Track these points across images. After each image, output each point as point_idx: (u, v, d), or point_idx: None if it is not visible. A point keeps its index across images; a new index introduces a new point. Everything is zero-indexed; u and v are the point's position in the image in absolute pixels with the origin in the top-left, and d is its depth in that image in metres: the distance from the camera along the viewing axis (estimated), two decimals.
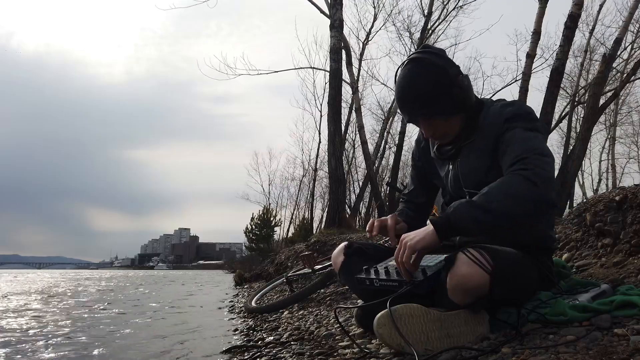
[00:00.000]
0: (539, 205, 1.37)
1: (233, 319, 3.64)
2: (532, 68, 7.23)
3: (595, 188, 20.29)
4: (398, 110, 16.78)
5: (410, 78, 1.60)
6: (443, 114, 1.62)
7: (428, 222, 1.46)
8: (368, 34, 17.17)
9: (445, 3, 15.27)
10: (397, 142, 16.17)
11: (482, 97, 1.80)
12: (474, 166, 1.63)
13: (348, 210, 16.50)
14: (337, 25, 9.73)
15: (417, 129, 1.76)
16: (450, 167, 1.73)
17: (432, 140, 1.80)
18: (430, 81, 1.57)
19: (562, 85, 10.20)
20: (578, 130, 12.53)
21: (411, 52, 1.63)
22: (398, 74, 1.65)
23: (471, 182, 1.64)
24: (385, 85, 23.58)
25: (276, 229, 23.24)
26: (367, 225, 1.76)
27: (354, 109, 14.22)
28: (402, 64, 1.66)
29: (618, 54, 10.14)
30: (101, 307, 5.00)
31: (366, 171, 16.02)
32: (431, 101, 1.58)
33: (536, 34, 6.86)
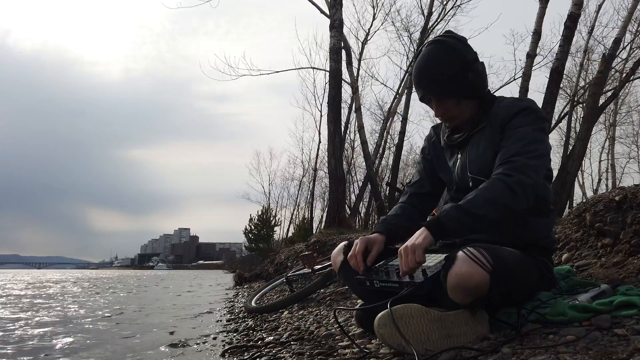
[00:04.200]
0: (513, 212, 1.51)
1: (232, 318, 3.64)
2: (532, 68, 7.22)
3: (595, 188, 20.30)
4: (399, 106, 16.79)
5: (428, 58, 1.67)
6: (455, 96, 1.68)
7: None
8: (367, 33, 17.18)
9: (444, 3, 15.28)
10: (396, 142, 16.17)
11: None
12: (482, 153, 1.68)
13: (348, 210, 16.51)
14: (337, 25, 9.73)
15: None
16: (459, 155, 1.77)
17: (443, 130, 1.86)
18: (448, 63, 1.64)
19: (561, 85, 10.20)
20: (578, 130, 12.54)
21: (413, 44, 1.72)
22: (419, 53, 1.73)
23: (476, 168, 1.68)
24: (384, 85, 23.68)
25: (276, 228, 23.26)
26: (352, 263, 1.67)
27: (353, 109, 14.21)
28: (424, 44, 1.73)
29: (617, 53, 10.13)
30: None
31: (366, 171, 16.01)
32: (445, 82, 1.65)
33: (536, 34, 6.85)
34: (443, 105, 1.70)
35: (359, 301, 2.05)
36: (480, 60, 1.69)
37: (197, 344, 2.57)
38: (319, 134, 21.45)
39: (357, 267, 1.66)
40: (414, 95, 13.50)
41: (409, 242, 1.47)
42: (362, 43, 17.30)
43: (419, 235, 1.47)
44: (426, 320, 1.41)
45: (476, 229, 1.51)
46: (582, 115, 13.45)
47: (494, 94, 1.78)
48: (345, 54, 12.13)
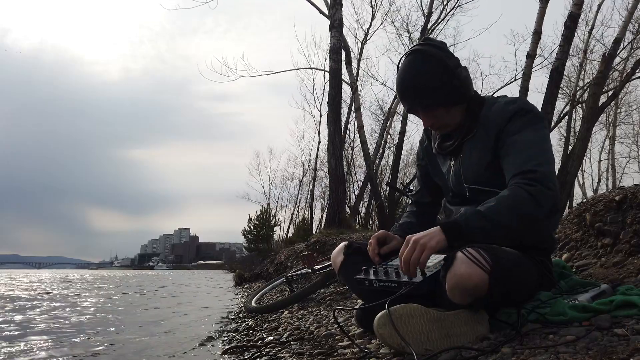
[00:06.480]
0: (534, 222, 1.49)
1: (232, 318, 3.64)
2: (532, 68, 7.22)
3: (595, 188, 20.30)
4: (399, 106, 16.79)
5: (411, 69, 1.63)
6: (443, 104, 1.64)
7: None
8: (366, 33, 17.21)
9: (444, 3, 15.28)
10: (396, 142, 16.18)
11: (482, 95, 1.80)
12: (475, 162, 1.66)
13: (348, 210, 16.50)
14: (336, 25, 9.73)
15: (417, 129, 1.79)
16: (452, 162, 1.75)
17: (433, 137, 1.83)
18: (431, 72, 1.60)
19: (561, 85, 10.20)
20: (578, 130, 12.53)
21: (412, 45, 1.65)
22: (400, 65, 1.68)
23: (471, 177, 1.67)
24: (384, 84, 23.63)
25: (276, 229, 23.25)
26: (371, 254, 1.73)
27: (353, 109, 14.22)
28: (404, 55, 1.69)
29: (617, 53, 10.12)
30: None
31: (366, 171, 16.01)
32: (431, 92, 1.61)
33: (536, 34, 6.84)
34: (432, 115, 1.66)
35: (359, 301, 2.05)
36: (463, 65, 1.66)
37: (197, 343, 2.56)
38: (319, 134, 21.51)
39: (371, 254, 1.70)
40: None
41: (421, 237, 1.41)
42: (362, 43, 17.34)
43: (433, 237, 1.41)
44: (426, 320, 1.41)
45: (495, 238, 1.45)
46: (582, 115, 13.44)
47: (493, 94, 1.77)
48: (345, 53, 12.12)
